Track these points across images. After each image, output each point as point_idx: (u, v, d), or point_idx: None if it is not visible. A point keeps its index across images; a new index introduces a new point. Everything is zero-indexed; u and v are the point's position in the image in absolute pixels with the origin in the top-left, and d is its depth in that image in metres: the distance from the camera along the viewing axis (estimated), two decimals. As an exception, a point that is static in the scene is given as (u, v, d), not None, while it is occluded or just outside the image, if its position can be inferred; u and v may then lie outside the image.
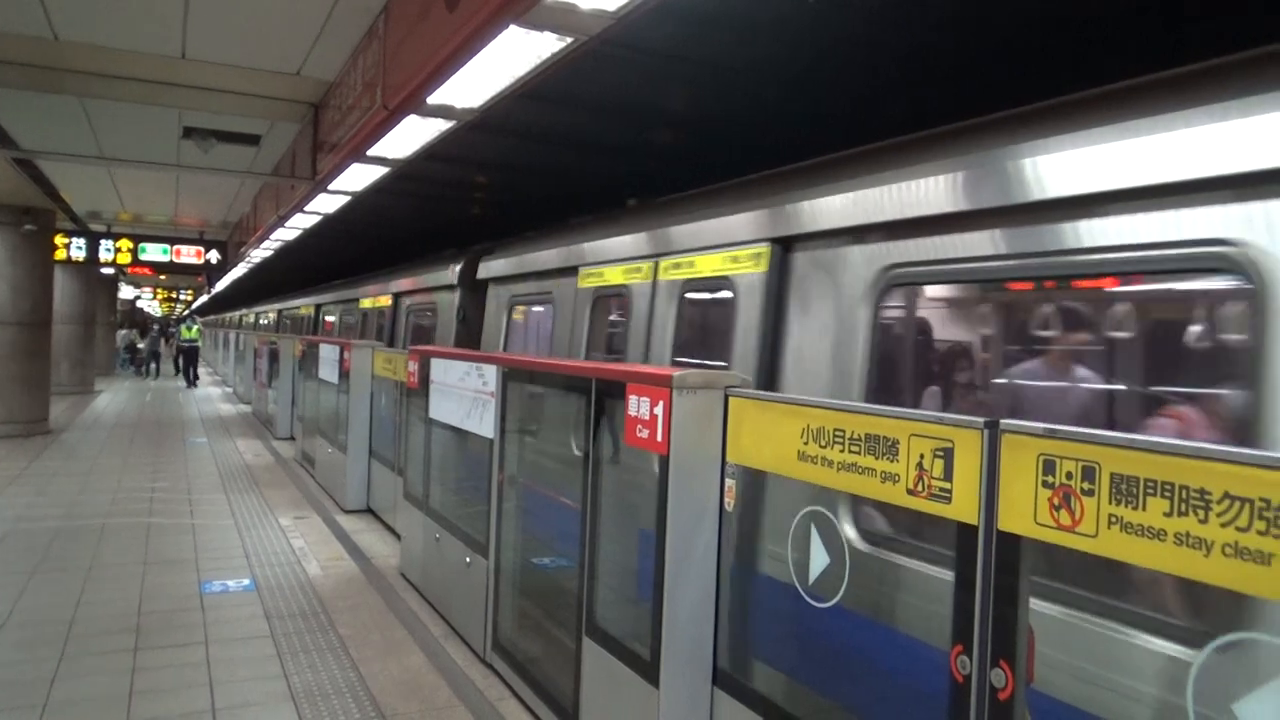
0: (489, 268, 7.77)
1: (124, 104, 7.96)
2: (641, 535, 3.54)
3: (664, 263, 4.90)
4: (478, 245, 8.82)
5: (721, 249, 4.36)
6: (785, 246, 3.97)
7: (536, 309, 7.15)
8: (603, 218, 6.18)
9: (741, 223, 4.24)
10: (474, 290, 8.38)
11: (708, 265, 4.50)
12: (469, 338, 8.41)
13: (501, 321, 7.42)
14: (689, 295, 4.72)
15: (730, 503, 3.31)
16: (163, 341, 32.62)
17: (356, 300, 13.58)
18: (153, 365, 29.22)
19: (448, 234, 12.29)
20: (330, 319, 16.84)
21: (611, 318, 5.72)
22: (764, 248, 4.03)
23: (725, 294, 4.33)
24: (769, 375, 3.90)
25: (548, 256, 6.47)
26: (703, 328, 4.79)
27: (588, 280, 5.76)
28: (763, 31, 4.24)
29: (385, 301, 11.58)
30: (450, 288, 8.82)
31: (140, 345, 30.78)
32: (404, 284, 10.76)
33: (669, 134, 6.44)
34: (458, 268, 8.59)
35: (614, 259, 5.46)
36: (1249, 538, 1.61)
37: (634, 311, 5.13)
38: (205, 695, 4.51)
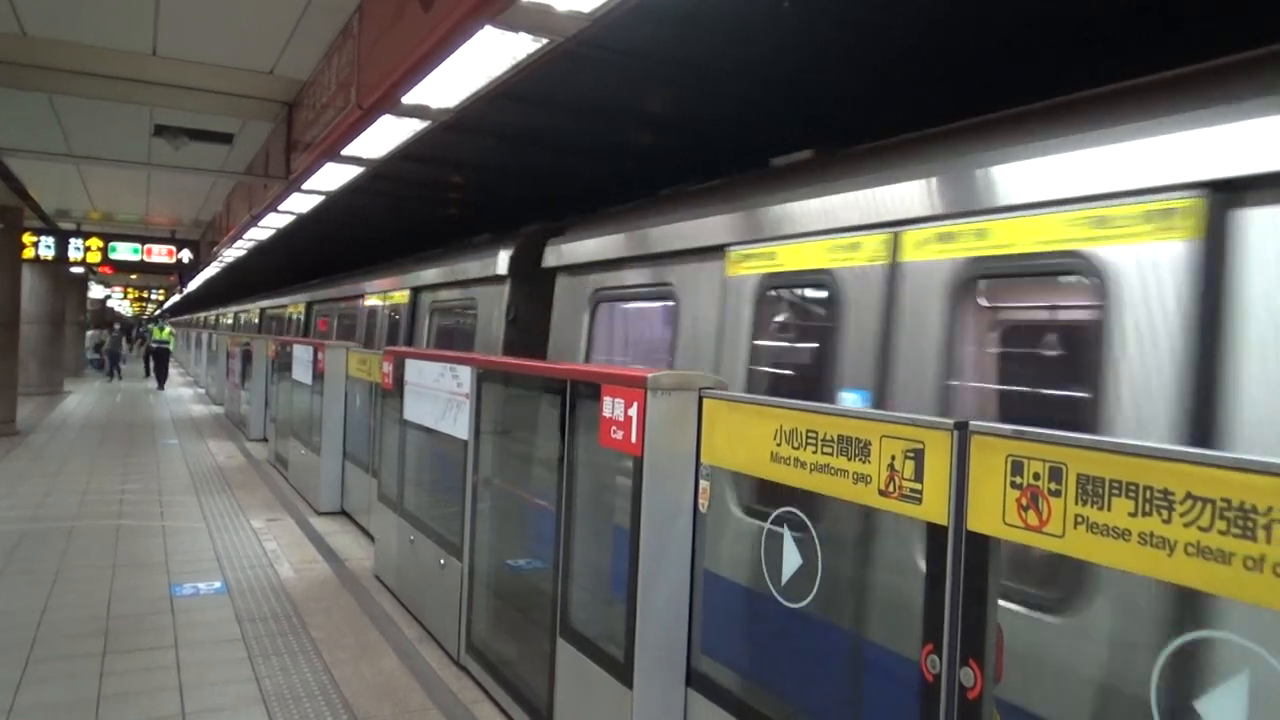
0: (563, 252, 5.96)
1: (94, 101, 7.87)
2: (616, 536, 3.54)
3: (914, 235, 3.20)
4: (534, 225, 7.16)
5: (1062, 206, 2.71)
6: (1228, 196, 2.34)
7: (641, 307, 5.53)
8: (765, 175, 4.46)
9: (1118, 157, 2.58)
10: (530, 283, 6.66)
11: (1028, 234, 2.81)
12: (523, 345, 6.63)
13: (580, 323, 5.64)
14: (984, 286, 3.06)
15: (704, 504, 3.32)
16: (124, 342, 30.42)
17: (360, 297, 11.72)
18: (113, 366, 27.61)
19: (429, 233, 12.22)
20: (326, 319, 14.49)
21: (793, 321, 4.13)
22: (1189, 199, 2.40)
23: (1078, 283, 2.80)
24: (1204, 429, 2.30)
25: (667, 233, 4.82)
26: (1021, 345, 3.17)
27: (746, 265, 4.09)
28: (741, 32, 4.25)
29: (400, 298, 9.70)
30: (495, 280, 7.03)
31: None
32: (427, 275, 8.81)
33: (650, 135, 6.45)
34: (508, 254, 6.81)
35: (800, 232, 3.77)
36: (1210, 537, 1.64)
37: (848, 312, 3.48)
38: (175, 699, 4.45)
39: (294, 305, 17.17)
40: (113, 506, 8.89)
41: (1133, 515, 1.77)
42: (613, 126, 6.24)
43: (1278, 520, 1.54)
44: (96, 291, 39.11)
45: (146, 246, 17.64)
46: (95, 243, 17.05)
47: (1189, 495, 1.68)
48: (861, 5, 3.84)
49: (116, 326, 32.55)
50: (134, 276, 32.15)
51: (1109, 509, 1.81)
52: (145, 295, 52.52)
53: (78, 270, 22.89)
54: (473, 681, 4.80)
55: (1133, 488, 1.77)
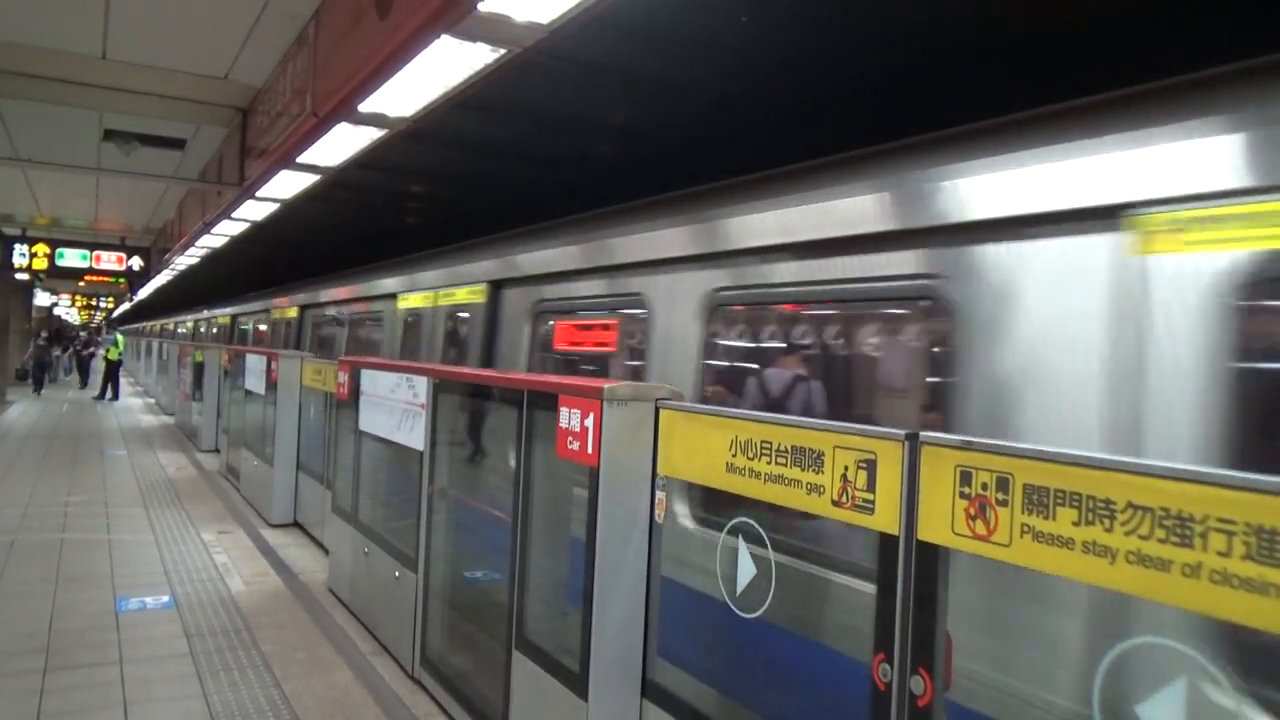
0: None
1: (41, 104, 7.70)
2: (572, 547, 3.53)
3: None
4: None
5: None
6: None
7: None
8: None
9: None
10: None
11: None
12: None
13: None
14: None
15: (661, 515, 3.32)
16: (54, 351, 26.50)
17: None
18: (38, 379, 24.56)
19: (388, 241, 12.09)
20: (577, 320, 5.65)
21: None
22: None
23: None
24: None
25: None
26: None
27: None
28: (697, 47, 4.29)
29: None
30: None
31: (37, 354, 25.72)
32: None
33: (610, 146, 6.45)
34: None
35: None
36: (1150, 545, 1.68)
37: None
38: (119, 717, 4.34)
39: (417, 297, 7.84)
40: (56, 519, 8.65)
41: (1076, 524, 1.80)
42: (574, 137, 6.24)
43: (1214, 529, 1.59)
44: (43, 299, 38.10)
45: (95, 253, 17.27)
46: (42, 248, 16.66)
47: (1130, 504, 1.72)
48: (818, 23, 3.90)
49: (44, 334, 27.88)
50: (82, 283, 31.26)
51: (1054, 518, 1.85)
52: (94, 303, 51.29)
53: (23, 276, 22.32)
54: (427, 695, 4.75)
55: (1076, 497, 1.81)
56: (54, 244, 16.86)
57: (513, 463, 3.94)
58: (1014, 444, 1.98)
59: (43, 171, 11.50)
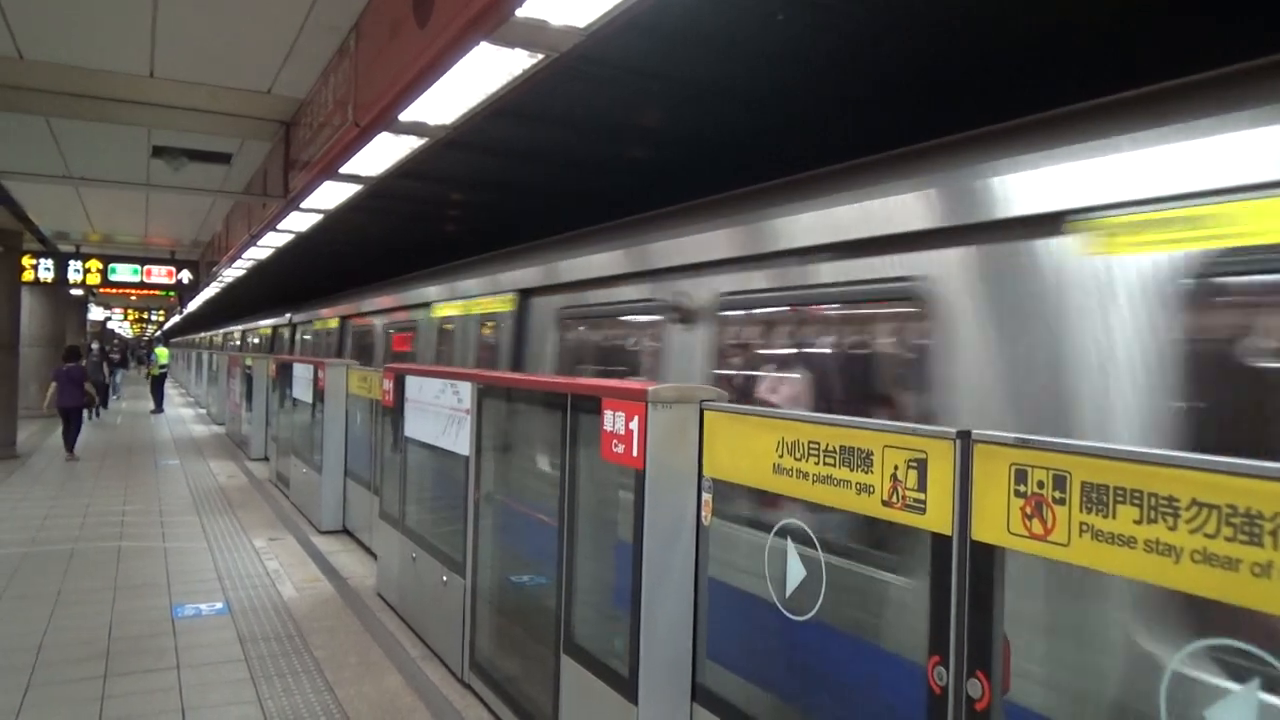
0: None
1: (92, 123, 7.88)
2: (619, 550, 3.52)
3: None
4: None
5: None
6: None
7: None
8: None
9: None
10: None
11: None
12: None
13: None
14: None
15: (708, 518, 3.30)
16: (105, 368, 23.33)
17: None
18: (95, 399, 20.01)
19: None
20: None
21: None
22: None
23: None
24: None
25: None
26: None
27: None
28: (735, 48, 4.26)
29: None
30: None
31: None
32: None
33: (647, 150, 6.45)
34: None
35: None
36: (1217, 544, 1.63)
37: None
38: (177, 722, 4.43)
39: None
40: (113, 528, 8.86)
41: (1138, 523, 1.75)
42: (610, 142, 6.25)
43: (1285, 525, 1.53)
44: (96, 313, 39.04)
45: (146, 268, 17.68)
46: (95, 264, 17.09)
47: (1194, 502, 1.67)
48: (853, 20, 3.85)
49: (95, 348, 24.51)
50: (133, 297, 32.03)
51: (1114, 517, 1.80)
52: (145, 316, 52.56)
53: (77, 292, 22.87)
54: (476, 699, 4.77)
55: (1137, 495, 1.76)
56: (106, 259, 17.27)
57: (559, 466, 3.94)
58: (1070, 441, 1.93)
59: (94, 189, 11.79)
